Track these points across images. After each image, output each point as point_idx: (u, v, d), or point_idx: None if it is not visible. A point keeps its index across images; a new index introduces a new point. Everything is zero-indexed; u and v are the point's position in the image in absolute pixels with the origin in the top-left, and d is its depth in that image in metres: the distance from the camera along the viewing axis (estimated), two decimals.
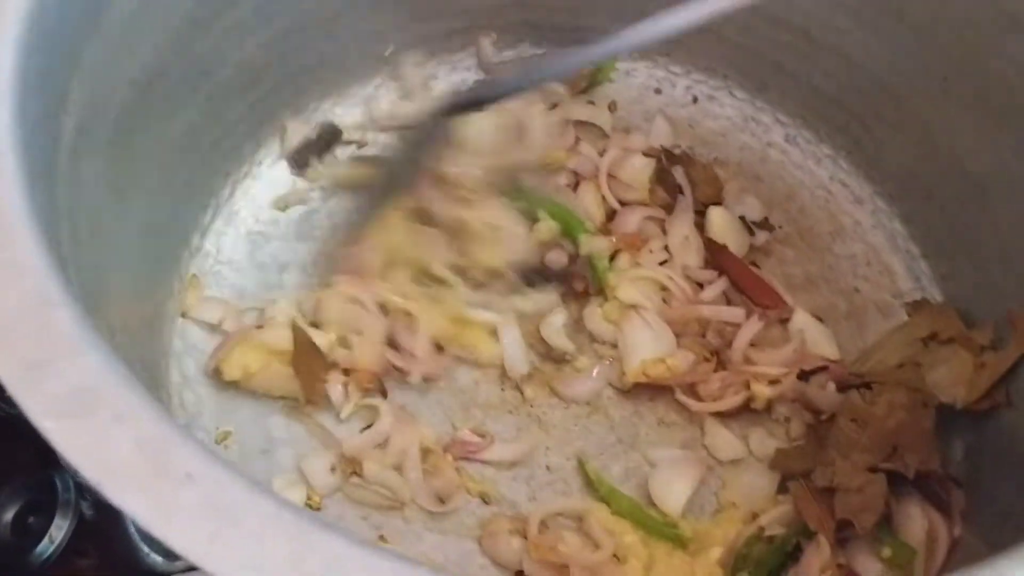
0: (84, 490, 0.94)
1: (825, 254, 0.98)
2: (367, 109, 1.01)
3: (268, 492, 0.44)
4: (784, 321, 0.92)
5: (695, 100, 1.05)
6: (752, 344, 0.90)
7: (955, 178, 0.90)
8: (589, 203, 0.97)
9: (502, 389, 0.90)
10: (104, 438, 0.43)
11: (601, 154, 1.00)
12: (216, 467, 0.44)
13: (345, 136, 1.00)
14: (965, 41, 0.84)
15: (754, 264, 0.96)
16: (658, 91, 1.06)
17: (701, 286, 0.94)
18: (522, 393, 0.90)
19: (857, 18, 0.91)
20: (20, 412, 1.03)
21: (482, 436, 0.86)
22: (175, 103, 0.81)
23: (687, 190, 0.97)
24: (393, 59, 1.01)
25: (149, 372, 0.81)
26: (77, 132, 0.65)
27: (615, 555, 0.80)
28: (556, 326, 0.90)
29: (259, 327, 0.85)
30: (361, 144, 1.01)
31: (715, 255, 0.94)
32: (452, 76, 1.04)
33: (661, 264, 0.94)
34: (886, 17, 0.89)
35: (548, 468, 0.87)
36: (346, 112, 1.01)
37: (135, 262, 0.79)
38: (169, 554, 0.82)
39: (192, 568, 0.39)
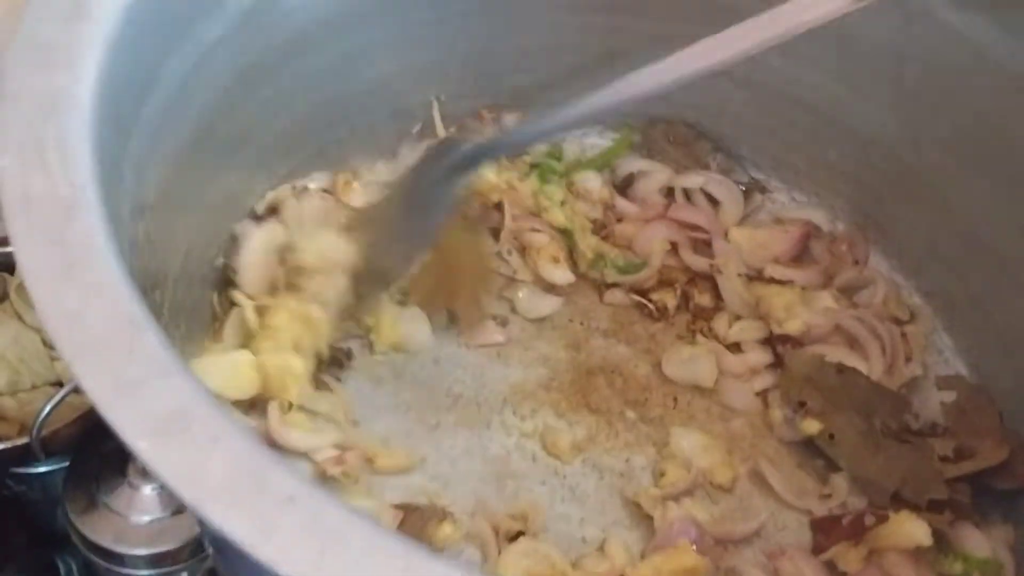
0: (90, 570, 0.90)
1: None
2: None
3: (368, 518, 0.42)
4: None
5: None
6: None
7: (975, 249, 0.92)
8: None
9: (533, 460, 0.89)
10: (201, 459, 0.42)
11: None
12: (316, 491, 0.42)
13: None
14: (979, 110, 0.87)
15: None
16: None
17: None
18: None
19: (867, 93, 0.94)
20: (21, 491, 1.00)
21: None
22: (217, 164, 0.82)
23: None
24: (420, 135, 1.02)
25: None
26: (136, 184, 0.65)
27: None
28: None
29: None
30: None
31: None
32: None
33: None
34: (896, 90, 0.92)
35: (584, 540, 0.85)
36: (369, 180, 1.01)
37: None
38: None
39: None
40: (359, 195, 0.97)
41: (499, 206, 0.99)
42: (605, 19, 0.98)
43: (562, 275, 0.98)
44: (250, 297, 0.86)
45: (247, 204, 0.91)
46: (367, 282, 0.86)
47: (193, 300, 0.84)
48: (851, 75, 0.93)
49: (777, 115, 1.01)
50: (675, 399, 0.94)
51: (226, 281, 0.89)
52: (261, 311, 0.85)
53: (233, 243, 0.89)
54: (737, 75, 0.98)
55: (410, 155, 1.01)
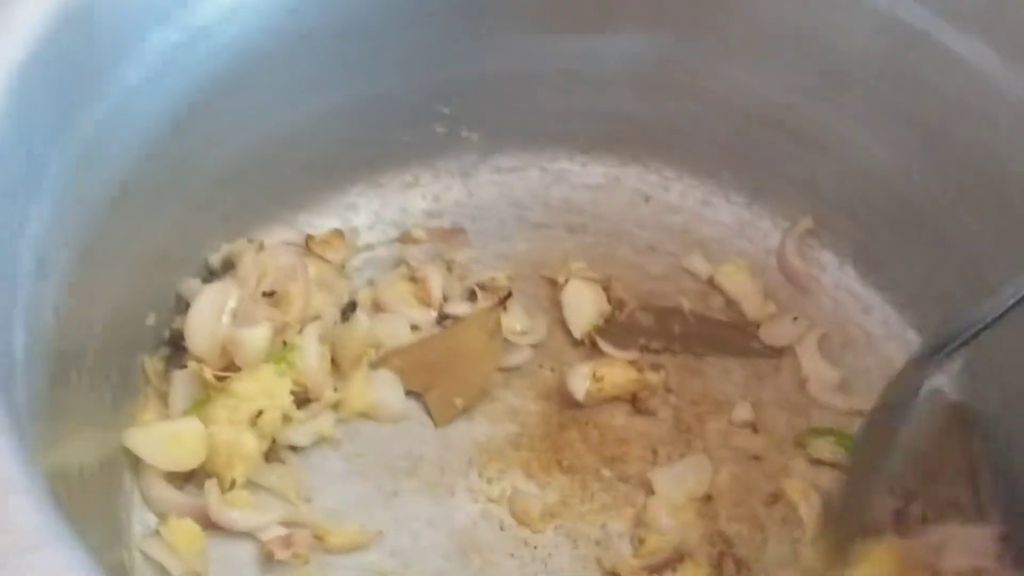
0: None
1: (838, 366, 0.92)
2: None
3: None
4: None
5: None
6: None
7: (973, 286, 0.85)
8: None
9: (501, 529, 0.81)
10: None
11: None
12: None
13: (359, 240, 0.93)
14: (981, 142, 0.80)
15: None
16: (647, 198, 1.01)
17: None
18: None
19: (862, 121, 0.88)
20: None
21: None
22: (143, 217, 0.74)
23: None
24: (373, 166, 0.94)
25: (108, 525, 0.70)
26: (37, 264, 0.56)
27: None
28: None
29: None
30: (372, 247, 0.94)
31: None
32: (435, 183, 0.98)
33: None
34: (893, 119, 0.86)
35: None
36: (323, 223, 0.93)
37: None
38: None
39: None
40: (339, 250, 0.89)
41: None
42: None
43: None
44: (199, 360, 0.78)
45: (186, 257, 0.83)
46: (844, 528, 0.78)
47: (121, 365, 0.76)
48: (843, 100, 0.86)
49: (760, 141, 0.94)
50: (655, 451, 0.87)
51: (163, 342, 0.81)
52: (221, 377, 0.77)
53: (178, 302, 0.81)
54: (715, 98, 0.91)
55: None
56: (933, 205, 0.86)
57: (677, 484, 0.83)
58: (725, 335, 0.94)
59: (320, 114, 0.86)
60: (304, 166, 0.89)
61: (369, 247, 0.94)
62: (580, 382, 0.87)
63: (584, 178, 1.01)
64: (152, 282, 0.78)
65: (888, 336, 0.93)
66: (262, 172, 0.86)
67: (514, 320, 0.91)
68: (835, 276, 0.96)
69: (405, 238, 0.95)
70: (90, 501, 0.68)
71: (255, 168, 0.85)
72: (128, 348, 0.77)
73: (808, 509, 0.82)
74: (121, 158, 0.68)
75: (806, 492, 0.83)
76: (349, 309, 0.86)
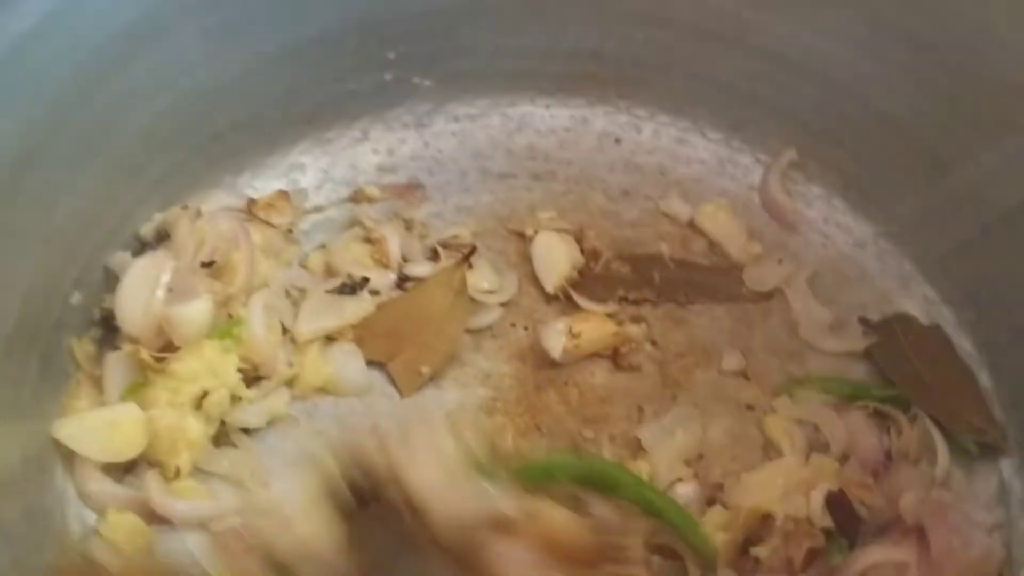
0: None
1: (830, 307, 0.85)
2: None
3: None
4: None
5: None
6: None
7: (974, 211, 0.79)
8: None
9: None
10: None
11: None
12: None
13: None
14: (976, 51, 0.74)
15: None
16: (618, 140, 0.94)
17: None
18: None
19: (843, 38, 0.81)
20: None
21: None
22: (59, 186, 0.66)
23: None
24: (317, 121, 0.87)
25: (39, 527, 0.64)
26: None
27: None
28: None
29: None
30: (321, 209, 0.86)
31: None
32: (387, 136, 0.90)
33: None
34: (879, 33, 0.79)
35: None
36: (266, 185, 0.86)
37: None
38: None
39: None
40: (286, 213, 0.82)
41: None
42: None
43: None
44: (134, 340, 0.71)
45: (114, 229, 0.76)
46: None
47: (43, 350, 0.69)
48: (824, 14, 0.79)
49: (735, 68, 0.87)
50: (640, 408, 0.81)
51: (92, 322, 0.74)
52: (160, 358, 0.70)
53: (108, 278, 0.74)
54: (687, 24, 0.84)
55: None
56: (925, 124, 0.79)
57: (666, 439, 0.76)
58: (709, 280, 0.87)
59: (250, 64, 0.78)
60: (240, 124, 0.81)
61: (318, 209, 0.87)
62: (555, 340, 0.81)
63: (549, 122, 0.94)
64: (75, 257, 0.72)
65: (884, 271, 0.87)
66: (193, 132, 0.79)
67: (481, 278, 0.84)
68: (823, 210, 0.90)
69: (357, 196, 0.88)
70: (14, 504, 0.61)
71: (185, 128, 0.78)
72: (50, 331, 0.70)
73: (791, 447, 0.75)
74: (19, 117, 0.61)
75: (788, 429, 0.77)
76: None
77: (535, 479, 0.64)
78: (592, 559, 0.57)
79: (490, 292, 0.84)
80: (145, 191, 0.77)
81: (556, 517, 0.58)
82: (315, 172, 0.88)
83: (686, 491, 0.74)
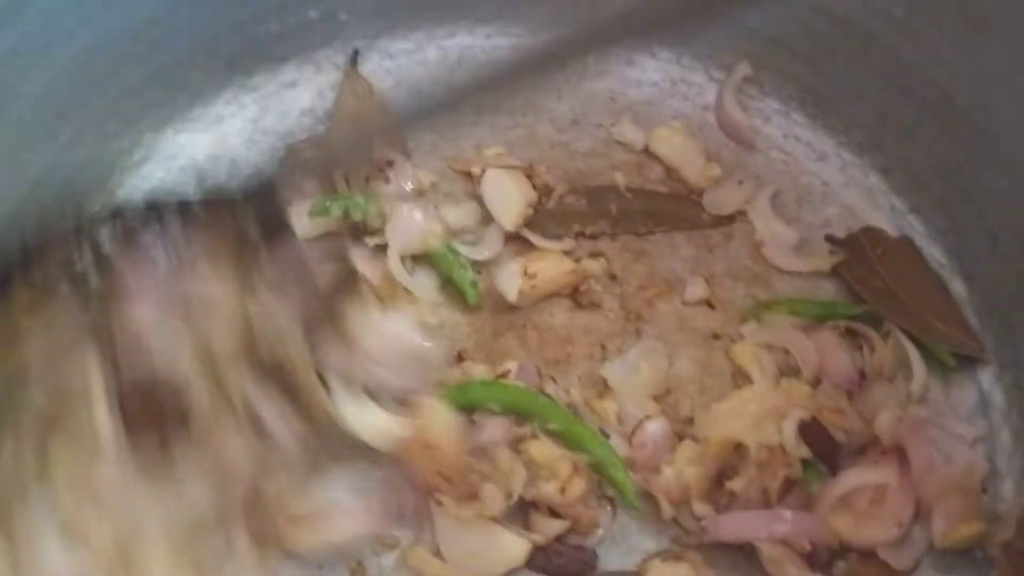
0: None
1: (795, 225, 0.82)
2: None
3: None
4: None
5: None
6: None
7: (938, 111, 0.75)
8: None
9: None
10: None
11: None
12: None
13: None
14: None
15: None
16: (564, 65, 0.88)
17: None
18: None
19: None
20: None
21: None
22: None
23: None
24: (241, 67, 0.81)
25: None
26: None
27: None
28: None
29: None
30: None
31: None
32: (317, 79, 0.85)
33: None
34: None
35: None
36: (191, 140, 0.80)
37: None
38: None
39: None
40: None
41: None
42: None
43: None
44: None
45: (24, 197, 0.70)
46: None
47: None
48: None
49: None
50: (603, 346, 0.77)
51: None
52: None
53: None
54: None
55: None
56: (883, 21, 0.75)
57: (631, 376, 0.73)
58: (668, 208, 0.83)
59: (158, 8, 0.72)
60: (154, 76, 0.76)
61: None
62: (510, 281, 0.77)
63: (490, 52, 0.88)
64: None
65: (847, 183, 0.83)
66: (102, 89, 0.73)
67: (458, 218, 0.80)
68: (782, 125, 0.85)
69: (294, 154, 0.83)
70: None
71: (92, 85, 0.72)
72: None
73: (760, 373, 0.72)
74: None
75: (756, 355, 0.73)
76: None
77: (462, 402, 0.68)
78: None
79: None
80: (58, 154, 0.71)
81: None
82: (243, 123, 0.83)
83: (654, 428, 0.71)
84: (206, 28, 0.77)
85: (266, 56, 0.82)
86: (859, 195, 0.82)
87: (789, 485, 0.67)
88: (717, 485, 0.68)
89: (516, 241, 0.80)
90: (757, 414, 0.68)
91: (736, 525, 0.65)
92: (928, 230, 0.79)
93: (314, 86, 0.85)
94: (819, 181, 0.83)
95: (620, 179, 0.84)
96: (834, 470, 0.67)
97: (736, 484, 0.66)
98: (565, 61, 0.87)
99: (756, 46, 0.83)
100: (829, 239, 0.80)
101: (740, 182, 0.83)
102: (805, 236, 0.81)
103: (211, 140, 0.82)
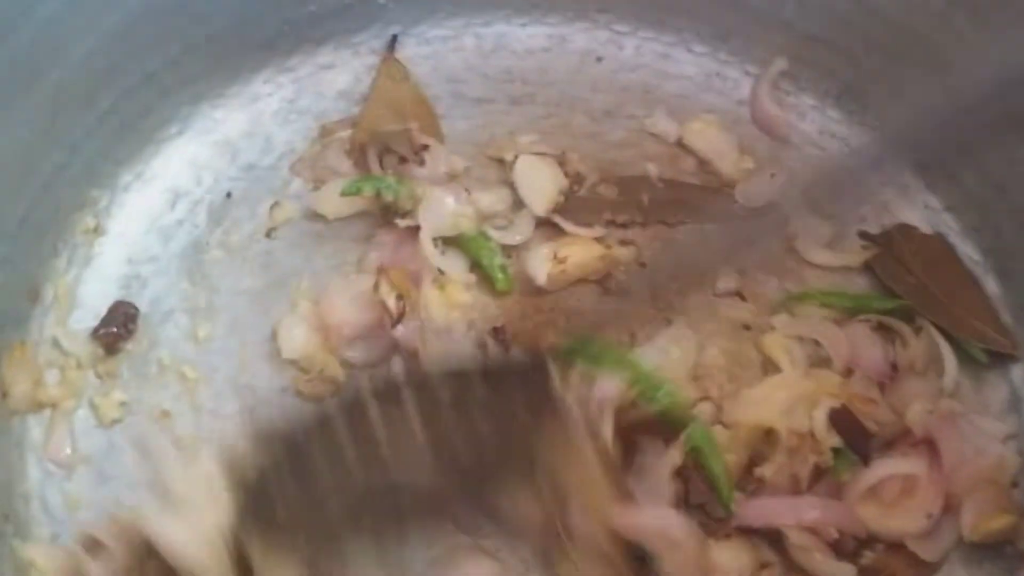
0: None
1: (828, 220, 0.81)
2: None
3: None
4: None
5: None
6: None
7: (976, 106, 0.74)
8: None
9: None
10: None
11: None
12: None
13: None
14: None
15: None
16: (600, 59, 0.89)
17: None
18: None
19: None
20: None
21: None
22: None
23: None
24: (279, 47, 0.82)
25: None
26: None
27: None
28: None
29: None
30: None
31: None
32: (354, 62, 0.86)
33: None
34: None
35: None
36: (227, 116, 0.81)
37: None
38: None
39: None
40: None
41: None
42: None
43: None
44: None
45: (62, 162, 0.71)
46: None
47: None
48: None
49: None
50: (632, 334, 0.77)
51: None
52: None
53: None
54: None
55: None
56: (922, 15, 0.75)
57: (662, 360, 0.72)
58: (699, 199, 0.83)
59: None
60: (194, 48, 0.77)
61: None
62: (541, 266, 0.77)
63: (526, 42, 0.89)
64: (21, 193, 0.66)
65: (882, 180, 0.82)
66: (144, 57, 0.75)
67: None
68: (818, 121, 0.85)
69: (325, 133, 0.83)
70: None
71: (134, 52, 0.74)
72: None
73: (790, 363, 0.72)
74: None
75: (786, 345, 0.73)
76: None
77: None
78: None
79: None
80: (95, 122, 0.72)
81: None
82: (279, 103, 0.83)
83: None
84: (247, 5, 0.77)
85: (305, 37, 0.83)
86: (894, 192, 0.82)
87: (819, 473, 0.66)
88: (747, 472, 0.67)
89: (547, 227, 0.80)
90: (787, 400, 0.68)
91: (764, 510, 0.64)
92: (962, 227, 0.79)
93: (351, 69, 0.85)
94: (853, 179, 0.83)
95: (652, 170, 0.84)
96: (866, 460, 0.66)
97: (766, 470, 0.66)
98: (601, 56, 0.88)
99: (793, 41, 0.83)
100: (862, 235, 0.80)
101: (772, 175, 0.83)
102: (838, 231, 0.80)
103: (246, 117, 0.82)
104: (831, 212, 0.81)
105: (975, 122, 0.75)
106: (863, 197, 0.80)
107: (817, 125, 0.85)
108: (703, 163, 0.84)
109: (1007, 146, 0.74)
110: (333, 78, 0.85)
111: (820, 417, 0.67)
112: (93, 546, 0.60)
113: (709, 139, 0.85)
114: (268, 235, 0.79)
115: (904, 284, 0.76)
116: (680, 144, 0.85)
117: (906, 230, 0.79)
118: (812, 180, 0.81)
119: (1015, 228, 0.75)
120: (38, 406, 0.68)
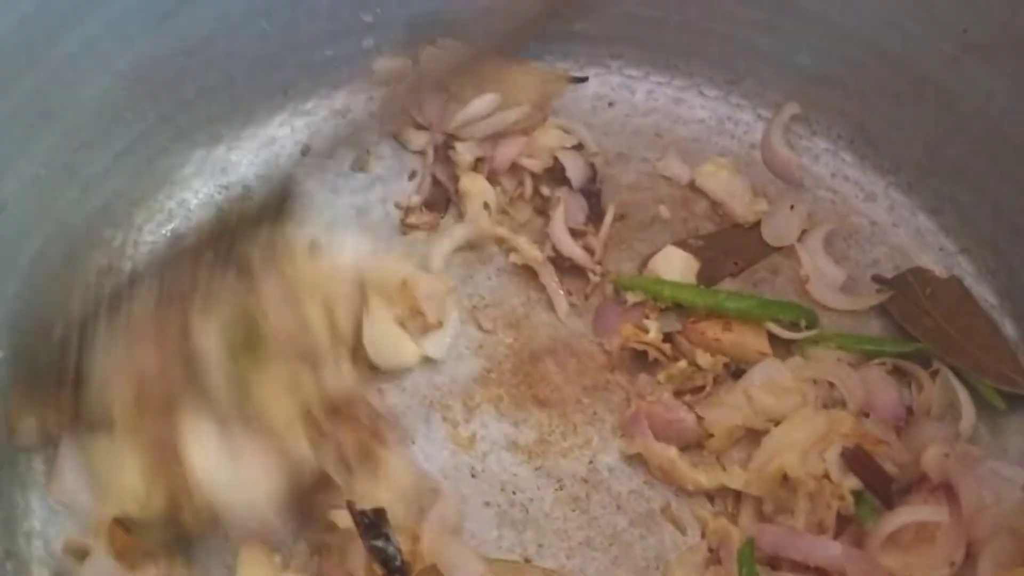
0: None
1: (843, 263, 0.80)
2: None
3: None
4: None
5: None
6: None
7: (991, 149, 0.75)
8: None
9: (472, 476, 0.70)
10: None
11: None
12: None
13: None
14: None
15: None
16: (612, 103, 0.89)
17: None
18: None
19: None
20: None
21: None
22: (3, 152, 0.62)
23: None
24: (294, 91, 0.83)
25: None
26: None
27: None
28: None
29: None
30: None
31: None
32: (370, 108, 0.86)
33: None
34: None
35: None
36: (242, 159, 0.82)
37: None
38: None
39: None
40: None
41: None
42: None
43: None
44: None
45: (75, 199, 0.72)
46: None
47: None
48: None
49: (730, 18, 0.83)
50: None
51: None
52: None
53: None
54: None
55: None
56: (935, 59, 0.75)
57: None
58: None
59: (217, 25, 0.74)
60: (210, 91, 0.78)
61: None
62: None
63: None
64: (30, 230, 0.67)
65: (896, 223, 0.82)
66: (158, 99, 0.75)
67: None
68: (830, 164, 0.85)
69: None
70: None
71: (149, 94, 0.74)
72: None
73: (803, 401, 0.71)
74: None
75: (801, 389, 0.72)
76: None
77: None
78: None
79: None
80: (110, 162, 0.73)
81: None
82: (293, 146, 0.84)
83: None
84: (262, 48, 0.78)
85: (321, 81, 0.84)
86: (908, 235, 0.81)
87: (844, 522, 0.65)
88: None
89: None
90: (803, 443, 0.66)
91: (780, 540, 0.63)
92: (978, 270, 0.78)
93: (368, 112, 0.86)
94: (867, 221, 0.82)
95: (665, 212, 0.84)
96: (888, 504, 0.65)
97: (796, 521, 0.64)
98: (613, 100, 0.88)
99: (806, 85, 0.83)
100: (877, 279, 0.79)
101: (792, 207, 0.82)
102: (852, 275, 0.80)
103: (261, 160, 0.83)
104: (845, 255, 0.81)
105: (986, 161, 0.75)
106: None
107: (830, 168, 0.85)
108: (716, 205, 0.84)
109: (1020, 188, 0.73)
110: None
111: (833, 456, 0.66)
112: (79, 551, 0.61)
113: (722, 181, 0.85)
114: None
115: (921, 326, 0.75)
116: (692, 187, 0.85)
117: (921, 273, 0.79)
118: None
119: None
120: (46, 441, 0.68)
